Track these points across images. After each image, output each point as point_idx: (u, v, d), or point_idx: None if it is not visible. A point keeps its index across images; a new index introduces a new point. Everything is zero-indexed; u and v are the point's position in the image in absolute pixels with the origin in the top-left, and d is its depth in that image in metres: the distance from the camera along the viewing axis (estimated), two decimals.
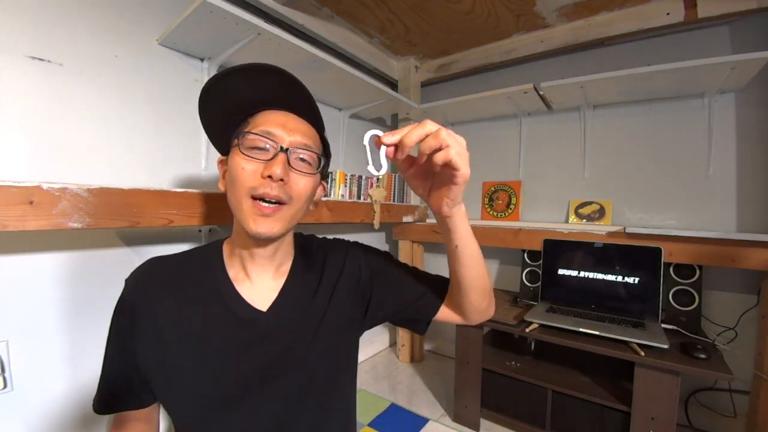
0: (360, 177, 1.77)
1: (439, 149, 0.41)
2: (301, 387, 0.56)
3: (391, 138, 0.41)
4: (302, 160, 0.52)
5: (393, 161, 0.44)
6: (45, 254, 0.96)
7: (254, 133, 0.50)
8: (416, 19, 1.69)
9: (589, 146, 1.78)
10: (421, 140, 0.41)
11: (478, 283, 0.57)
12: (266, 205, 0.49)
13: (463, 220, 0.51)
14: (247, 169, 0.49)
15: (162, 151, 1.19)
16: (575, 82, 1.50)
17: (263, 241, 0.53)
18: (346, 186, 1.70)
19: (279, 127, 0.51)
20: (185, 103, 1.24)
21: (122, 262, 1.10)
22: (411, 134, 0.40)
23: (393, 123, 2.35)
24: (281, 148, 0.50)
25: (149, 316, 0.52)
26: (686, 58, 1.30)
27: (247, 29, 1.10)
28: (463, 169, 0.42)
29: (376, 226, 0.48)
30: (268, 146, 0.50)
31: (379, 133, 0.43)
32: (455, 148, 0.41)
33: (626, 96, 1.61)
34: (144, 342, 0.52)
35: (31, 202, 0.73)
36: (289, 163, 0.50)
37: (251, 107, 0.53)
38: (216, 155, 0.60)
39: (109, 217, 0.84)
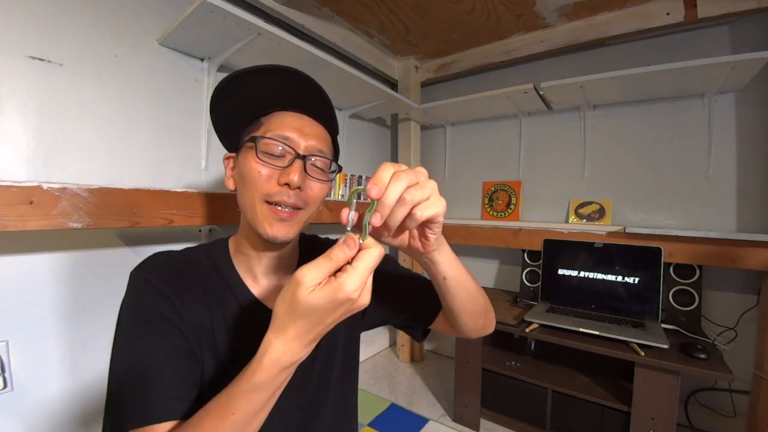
0: (360, 177, 1.77)
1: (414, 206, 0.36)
2: (315, 386, 0.56)
3: (376, 189, 0.35)
4: (317, 166, 0.52)
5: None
6: (45, 254, 0.96)
7: (270, 138, 0.49)
8: (416, 19, 1.69)
9: (589, 146, 1.78)
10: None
11: (470, 307, 0.55)
12: (283, 209, 0.49)
13: (446, 251, 0.47)
14: (263, 173, 0.48)
15: (162, 151, 1.19)
16: (575, 82, 1.50)
17: (275, 245, 0.53)
18: (346, 186, 1.70)
19: (295, 132, 0.50)
20: (185, 103, 1.24)
21: (122, 262, 1.10)
22: (390, 192, 0.35)
23: (393, 123, 2.36)
24: (297, 154, 0.49)
25: (183, 312, 0.48)
26: (686, 58, 1.30)
27: (247, 29, 1.10)
28: (440, 209, 0.38)
29: None
30: (283, 151, 0.49)
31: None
32: (429, 197, 0.37)
33: (626, 96, 1.61)
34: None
35: (31, 202, 0.73)
36: (305, 170, 0.50)
37: (264, 107, 0.52)
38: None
39: (109, 217, 0.84)
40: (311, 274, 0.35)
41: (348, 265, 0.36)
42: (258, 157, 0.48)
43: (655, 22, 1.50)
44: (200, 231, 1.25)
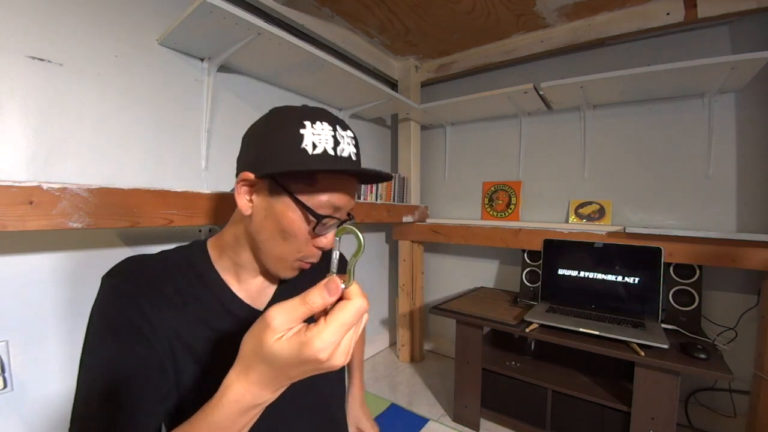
0: None
1: None
2: (308, 387, 0.56)
3: None
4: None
5: None
6: (45, 254, 0.96)
7: (333, 218, 0.48)
8: (416, 19, 1.69)
9: (589, 146, 1.78)
10: None
11: None
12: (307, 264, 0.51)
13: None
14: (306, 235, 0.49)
15: (162, 150, 1.19)
16: (575, 82, 1.50)
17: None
18: None
19: (345, 201, 0.49)
20: (185, 103, 1.24)
21: None
22: None
23: (393, 123, 2.36)
24: (339, 222, 0.49)
25: (154, 319, 0.46)
26: (686, 58, 1.30)
27: (247, 29, 1.10)
28: None
29: None
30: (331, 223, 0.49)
31: None
32: None
33: (626, 96, 1.61)
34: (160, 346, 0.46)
35: (31, 202, 0.73)
36: None
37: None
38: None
39: (109, 217, 0.84)
40: (281, 317, 0.32)
41: (323, 317, 0.32)
42: (315, 231, 0.47)
43: (655, 22, 1.50)
44: (200, 231, 1.25)
